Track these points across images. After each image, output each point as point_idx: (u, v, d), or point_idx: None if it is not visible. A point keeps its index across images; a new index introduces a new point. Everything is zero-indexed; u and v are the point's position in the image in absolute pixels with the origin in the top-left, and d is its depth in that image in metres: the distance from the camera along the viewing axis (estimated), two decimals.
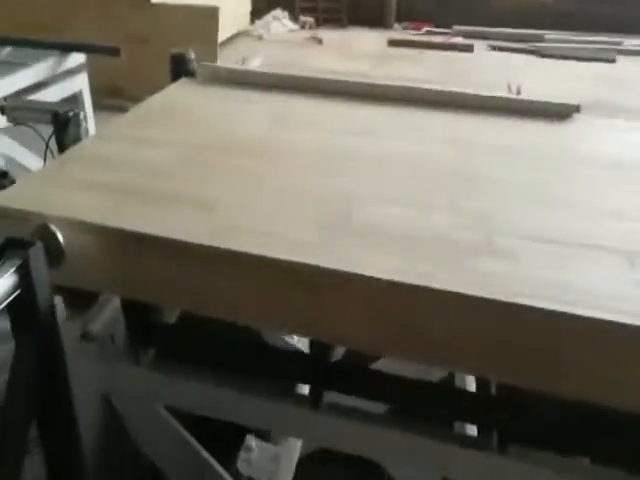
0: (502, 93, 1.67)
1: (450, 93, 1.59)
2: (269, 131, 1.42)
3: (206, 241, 0.97)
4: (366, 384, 1.11)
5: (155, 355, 1.24)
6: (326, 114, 1.52)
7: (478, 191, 1.17)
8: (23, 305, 1.02)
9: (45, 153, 1.61)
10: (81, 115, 1.50)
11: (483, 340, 0.88)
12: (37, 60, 2.01)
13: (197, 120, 1.46)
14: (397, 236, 1.00)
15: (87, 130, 1.52)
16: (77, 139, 1.53)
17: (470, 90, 1.59)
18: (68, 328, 1.19)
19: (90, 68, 3.56)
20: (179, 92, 1.63)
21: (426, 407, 1.12)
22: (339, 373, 1.16)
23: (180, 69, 1.69)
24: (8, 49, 2.11)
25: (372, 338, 0.95)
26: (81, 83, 2.02)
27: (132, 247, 1.03)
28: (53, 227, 1.04)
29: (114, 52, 2.00)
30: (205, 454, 1.27)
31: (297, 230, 1.01)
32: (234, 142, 1.35)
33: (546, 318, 0.84)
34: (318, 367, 1.16)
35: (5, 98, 1.70)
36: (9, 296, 0.97)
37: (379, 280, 0.88)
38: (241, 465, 1.36)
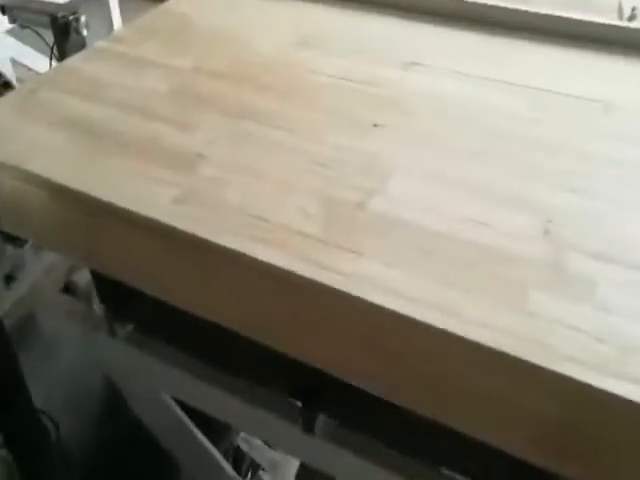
0: (610, 19, 1.28)
1: (532, 15, 1.23)
2: (292, 54, 1.14)
3: (166, 217, 0.75)
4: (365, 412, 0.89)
5: (133, 329, 1.08)
6: (372, 35, 1.21)
7: (565, 173, 0.85)
8: None
9: (50, 59, 1.40)
10: (82, 20, 1.27)
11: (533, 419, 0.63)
12: None
13: (207, 36, 1.19)
14: (428, 239, 0.73)
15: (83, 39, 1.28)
16: (79, 47, 1.30)
17: (561, 12, 1.23)
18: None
19: None
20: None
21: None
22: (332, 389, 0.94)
23: None
24: None
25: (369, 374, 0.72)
26: None
27: (87, 212, 0.83)
28: None
29: None
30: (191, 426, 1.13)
31: (292, 218, 0.76)
32: (244, 67, 1.08)
33: None
34: (307, 378, 0.94)
35: None
36: None
37: (377, 308, 0.64)
38: (242, 443, 1.22)
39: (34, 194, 0.89)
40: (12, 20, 1.42)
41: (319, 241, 0.72)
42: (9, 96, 1.08)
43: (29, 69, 1.65)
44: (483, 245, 0.72)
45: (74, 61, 1.11)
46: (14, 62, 1.58)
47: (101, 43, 1.15)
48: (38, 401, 1.59)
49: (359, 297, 0.64)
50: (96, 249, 0.94)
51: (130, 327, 1.12)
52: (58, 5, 1.29)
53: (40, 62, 1.59)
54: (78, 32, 1.26)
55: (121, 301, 1.06)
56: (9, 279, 1.65)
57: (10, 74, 1.59)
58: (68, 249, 0.99)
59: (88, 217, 0.84)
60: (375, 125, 0.93)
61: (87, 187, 0.81)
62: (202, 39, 1.17)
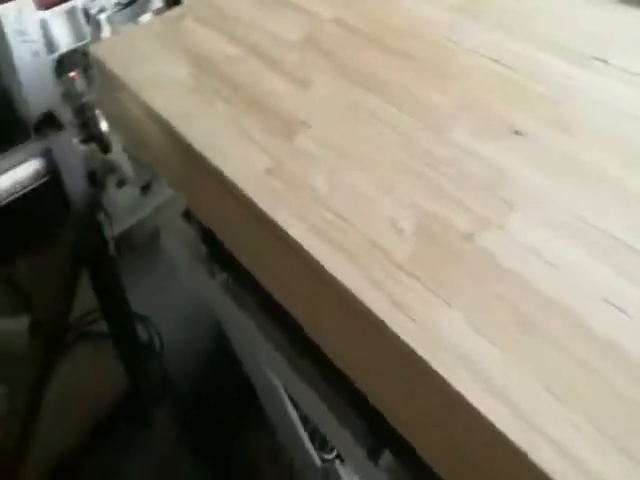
0: None
1: None
2: (444, 21, 0.96)
3: (252, 193, 0.68)
4: None
5: (228, 278, 1.05)
6: (548, 11, 1.00)
7: None
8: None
9: None
10: None
11: None
12: None
13: None
14: (538, 308, 0.55)
15: None
16: None
17: None
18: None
19: None
20: None
21: None
22: None
23: None
24: None
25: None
26: None
27: (187, 156, 0.79)
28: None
29: None
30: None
31: (378, 228, 0.63)
32: (385, 26, 0.95)
33: None
34: None
35: None
36: (32, 182, 0.82)
37: (456, 396, 0.49)
38: None
39: (148, 123, 0.88)
40: None
41: (401, 268, 0.58)
42: (157, 20, 1.07)
43: None
44: (612, 340, 0.52)
45: None
46: None
47: None
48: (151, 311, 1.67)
49: (429, 365, 0.50)
50: (193, 195, 0.92)
51: (225, 275, 1.10)
52: None
53: None
54: None
55: (219, 248, 1.05)
56: (145, 189, 1.73)
57: None
58: (174, 184, 0.99)
59: (188, 161, 0.81)
60: (516, 132, 0.74)
61: (189, 132, 0.78)
62: None
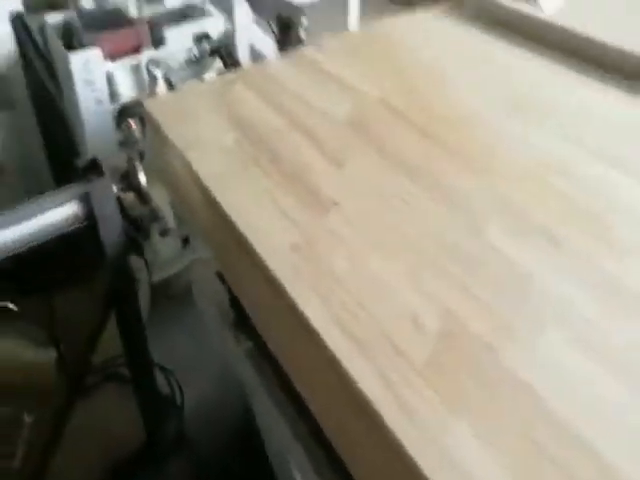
0: None
1: None
2: (496, 121, 0.92)
3: (275, 265, 0.66)
4: None
5: (253, 347, 1.03)
6: (620, 113, 0.94)
7: None
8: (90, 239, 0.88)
9: (276, 51, 1.42)
10: (303, 22, 1.25)
11: None
12: None
13: (408, 66, 1.06)
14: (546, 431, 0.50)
15: (301, 39, 1.26)
16: (296, 44, 1.29)
17: None
18: None
19: None
20: (427, 20, 1.22)
21: None
22: None
23: None
24: None
25: None
26: None
27: (223, 225, 0.79)
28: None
29: None
30: None
31: (397, 322, 0.59)
32: (432, 113, 0.93)
33: None
34: None
35: None
36: (69, 225, 0.83)
37: None
38: None
39: (188, 181, 0.89)
40: (253, 12, 1.48)
41: (415, 369, 0.54)
42: (210, 82, 1.10)
43: (261, 55, 1.71)
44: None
45: (276, 61, 1.09)
46: (252, 47, 1.66)
47: (305, 50, 1.11)
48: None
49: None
50: (223, 258, 0.91)
51: (250, 344, 1.08)
52: (289, 5, 1.30)
53: (271, 50, 1.64)
54: (297, 32, 1.25)
55: (246, 315, 1.03)
56: (186, 242, 1.75)
57: (246, 57, 1.65)
58: (207, 244, 0.98)
59: (220, 223, 0.80)
60: (553, 240, 0.68)
61: (224, 196, 0.78)
62: (402, 68, 1.05)
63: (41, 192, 1.49)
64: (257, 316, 0.81)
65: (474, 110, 0.94)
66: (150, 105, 1.01)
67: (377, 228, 0.72)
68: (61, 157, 1.47)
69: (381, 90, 0.98)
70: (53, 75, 1.39)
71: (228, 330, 1.09)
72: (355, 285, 0.64)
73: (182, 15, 1.64)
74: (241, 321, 1.04)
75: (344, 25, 1.79)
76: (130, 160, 0.96)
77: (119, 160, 1.20)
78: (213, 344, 1.65)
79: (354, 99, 0.96)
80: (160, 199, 1.16)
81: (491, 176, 0.80)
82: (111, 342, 1.30)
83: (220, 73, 1.42)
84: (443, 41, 1.15)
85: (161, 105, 1.02)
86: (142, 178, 0.97)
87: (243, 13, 1.55)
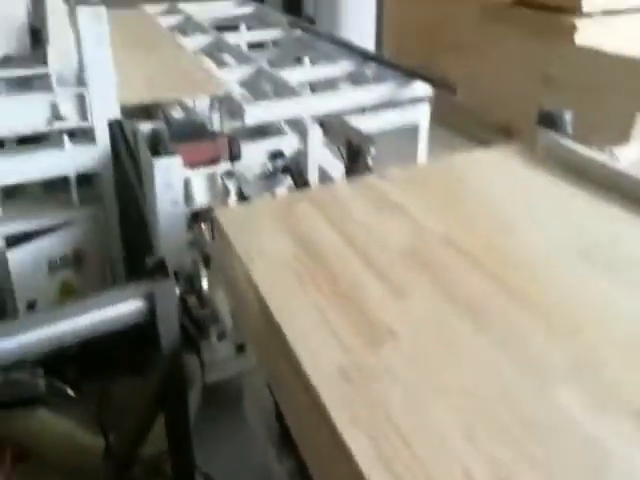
0: None
1: None
2: (569, 268, 0.89)
3: (321, 388, 0.67)
4: None
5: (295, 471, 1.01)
6: None
7: None
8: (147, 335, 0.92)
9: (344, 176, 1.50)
10: (371, 151, 1.33)
11: None
12: (380, 79, 1.93)
13: (477, 205, 1.09)
14: None
15: (368, 166, 1.33)
16: (364, 172, 1.36)
17: None
18: None
19: (480, 101, 3.38)
20: (497, 159, 1.28)
21: None
22: None
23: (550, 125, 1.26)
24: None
25: None
26: (421, 113, 1.84)
27: (275, 338, 0.81)
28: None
29: (451, 90, 1.76)
30: None
31: (444, 470, 0.57)
32: (502, 256, 0.92)
33: None
34: None
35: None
36: (130, 321, 0.88)
37: None
38: None
39: (248, 290, 0.93)
40: (325, 135, 1.59)
41: None
42: (278, 198, 1.17)
43: (329, 177, 1.81)
44: None
45: (343, 185, 1.15)
46: (321, 169, 1.76)
47: (371, 178, 1.17)
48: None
49: None
50: (272, 371, 0.92)
51: (292, 463, 1.07)
52: (359, 133, 1.39)
53: (339, 174, 1.73)
54: (366, 160, 1.33)
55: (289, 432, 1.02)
56: (241, 348, 1.77)
57: (315, 177, 1.75)
58: (259, 354, 1.00)
59: (273, 336, 0.82)
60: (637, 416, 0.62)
61: (279, 311, 0.81)
62: (468, 205, 1.08)
63: (115, 281, 1.58)
64: (299, 435, 0.80)
65: (544, 256, 0.92)
66: (220, 214, 1.08)
67: (435, 368, 0.70)
68: (136, 251, 1.57)
69: (445, 225, 1.00)
70: (139, 175, 1.52)
71: (272, 445, 1.08)
72: (405, 425, 0.62)
73: (259, 131, 1.78)
74: (286, 437, 1.03)
75: (412, 157, 1.87)
76: (195, 264, 1.02)
77: (187, 259, 1.27)
78: (256, 456, 1.62)
79: (416, 231, 0.99)
80: (221, 302, 1.21)
81: (569, 334, 0.76)
82: (164, 436, 1.31)
83: (290, 190, 1.51)
84: (513, 182, 1.17)
85: (230, 215, 1.09)
86: (204, 283, 1.02)
87: (316, 136, 1.66)
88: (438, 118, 1.98)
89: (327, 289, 0.85)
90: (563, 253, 0.93)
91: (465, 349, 0.73)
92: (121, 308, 0.99)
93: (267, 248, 0.96)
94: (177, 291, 1.01)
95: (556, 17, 3.26)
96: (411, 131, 1.86)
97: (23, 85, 1.44)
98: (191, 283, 1.03)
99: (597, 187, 1.10)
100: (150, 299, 0.98)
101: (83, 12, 1.38)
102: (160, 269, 0.99)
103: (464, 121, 3.54)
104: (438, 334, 0.76)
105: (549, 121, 1.25)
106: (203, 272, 1.03)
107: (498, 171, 1.22)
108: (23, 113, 1.40)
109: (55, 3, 1.84)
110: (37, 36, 1.55)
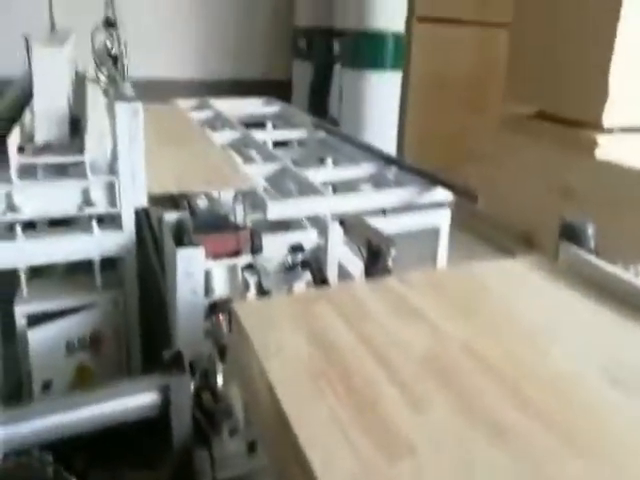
0: None
1: None
2: (598, 389, 0.87)
3: None
4: None
5: None
6: None
7: None
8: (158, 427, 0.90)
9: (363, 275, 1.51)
10: (392, 253, 1.35)
11: None
12: (401, 183, 2.00)
13: (503, 313, 1.09)
14: None
15: (388, 268, 1.34)
16: (383, 273, 1.37)
17: None
18: None
19: (500, 209, 3.44)
20: (518, 269, 1.28)
21: None
22: None
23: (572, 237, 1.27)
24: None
25: None
26: (441, 218, 1.87)
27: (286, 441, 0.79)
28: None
29: (471, 198, 1.80)
30: None
31: None
32: (525, 370, 0.91)
33: None
34: None
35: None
36: (143, 413, 0.87)
37: None
38: None
39: (262, 388, 0.91)
40: (345, 234, 1.62)
41: None
42: (297, 295, 1.18)
43: (349, 275, 1.82)
44: None
45: (361, 285, 1.16)
46: (340, 266, 1.78)
47: (391, 280, 1.18)
48: None
49: None
50: (283, 474, 0.89)
51: None
52: (379, 233, 1.42)
53: (358, 272, 1.75)
54: (385, 261, 1.35)
55: None
56: (252, 447, 1.72)
57: (334, 274, 1.76)
58: (269, 456, 0.97)
59: (284, 438, 0.80)
60: None
61: (292, 413, 0.79)
62: (488, 314, 1.08)
63: (130, 367, 1.57)
64: None
65: (566, 372, 0.91)
66: (238, 307, 1.09)
67: None
68: (154, 336, 1.57)
69: (465, 333, 1.00)
70: (162, 262, 1.54)
71: None
72: None
73: (281, 223, 1.82)
74: None
75: (432, 260, 1.89)
76: (211, 359, 1.01)
77: (204, 349, 1.26)
78: None
79: (436, 337, 0.99)
80: (235, 397, 1.19)
81: (593, 457, 0.73)
82: None
83: (309, 285, 1.52)
84: (534, 293, 1.17)
85: (248, 310, 1.09)
86: (219, 379, 1.01)
87: (336, 234, 1.70)
88: (459, 223, 2.02)
89: (343, 393, 0.84)
90: (586, 370, 0.92)
91: (485, 469, 0.71)
92: (135, 400, 0.98)
93: (284, 346, 0.96)
94: (192, 386, 1.00)
95: (576, 131, 3.35)
96: (431, 234, 1.89)
97: (59, 171, 1.50)
98: (206, 377, 1.02)
99: (620, 304, 1.10)
100: (165, 392, 0.97)
101: (120, 107, 1.46)
102: (176, 362, 0.99)
103: (485, 227, 3.59)
104: (457, 451, 0.74)
105: (571, 233, 1.27)
106: (219, 367, 1.02)
107: (519, 282, 1.22)
108: (57, 197, 1.45)
109: (96, 96, 1.96)
110: (76, 125, 1.63)
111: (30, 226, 1.54)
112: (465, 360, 0.92)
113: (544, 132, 3.56)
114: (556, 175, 3.36)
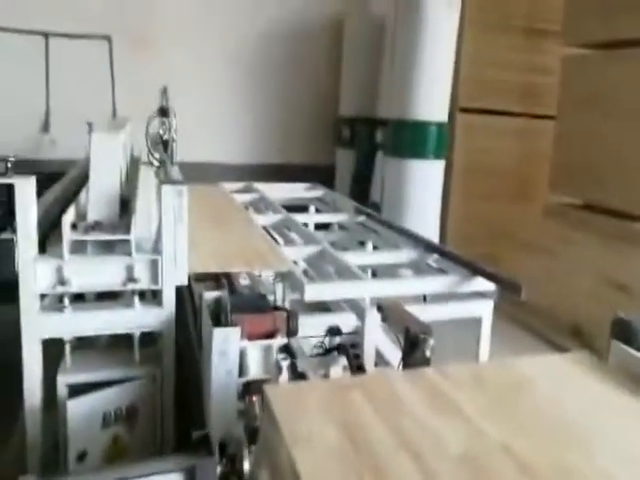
0: None
1: None
2: None
3: None
4: None
5: None
6: None
7: None
8: None
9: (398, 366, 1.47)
10: (430, 343, 1.31)
11: None
12: (443, 271, 1.97)
13: (547, 413, 1.03)
14: None
15: (426, 358, 1.30)
16: (421, 363, 1.34)
17: None
18: None
19: (547, 300, 3.33)
20: (566, 365, 1.22)
21: None
22: None
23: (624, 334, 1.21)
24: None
25: None
26: (484, 309, 1.83)
27: None
28: None
29: (515, 289, 1.76)
30: None
31: None
32: (574, 473, 0.86)
33: None
34: None
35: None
36: None
37: None
38: None
39: (289, 476, 0.88)
40: (383, 320, 1.60)
41: None
42: (331, 382, 1.15)
43: (386, 362, 1.78)
44: None
45: (398, 375, 1.13)
46: (378, 352, 1.75)
47: (428, 371, 1.15)
48: None
49: None
50: None
51: None
52: (418, 322, 1.39)
53: (396, 360, 1.70)
54: (424, 351, 1.31)
55: None
56: None
57: (371, 360, 1.73)
58: None
59: None
60: None
61: None
62: (531, 412, 1.03)
63: (163, 441, 1.55)
64: None
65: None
66: (269, 391, 1.07)
67: None
68: (187, 411, 1.55)
69: (503, 432, 0.95)
70: (199, 338, 1.55)
71: None
72: None
73: (320, 304, 1.81)
74: None
75: (475, 351, 1.83)
76: (239, 444, 0.99)
77: (235, 430, 1.24)
78: None
79: (472, 435, 0.94)
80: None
81: None
82: None
83: (345, 370, 1.49)
84: (581, 393, 1.11)
85: (280, 394, 1.07)
86: (246, 465, 0.98)
87: (373, 319, 1.68)
88: (504, 313, 1.97)
89: None
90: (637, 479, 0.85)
91: None
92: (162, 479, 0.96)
93: (313, 435, 0.93)
94: (218, 469, 0.97)
95: (624, 224, 3.29)
96: (473, 322, 1.84)
97: (107, 247, 1.56)
98: (233, 462, 0.99)
99: None
100: (191, 474, 0.95)
101: (166, 189, 1.53)
102: (204, 444, 0.97)
103: (532, 319, 3.49)
104: None
105: (623, 330, 1.22)
106: (246, 452, 0.99)
107: (565, 379, 1.17)
108: (103, 272, 1.51)
109: (147, 179, 2.06)
110: (126, 205, 1.71)
111: (79, 298, 1.60)
112: (503, 462, 0.87)
113: (591, 223, 3.50)
114: (607, 267, 3.27)
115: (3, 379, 1.50)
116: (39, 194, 1.47)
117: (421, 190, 3.69)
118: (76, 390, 1.49)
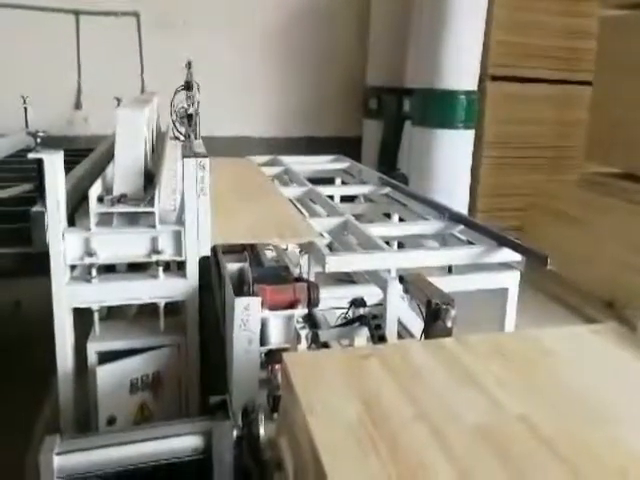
0: None
1: None
2: None
3: None
4: None
5: None
6: None
7: None
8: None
9: (420, 336, 1.46)
10: (451, 313, 1.30)
11: None
12: (469, 242, 1.94)
13: (570, 386, 1.01)
14: None
15: (448, 329, 1.29)
16: (443, 333, 1.33)
17: None
18: None
19: (578, 271, 3.26)
20: (591, 339, 1.20)
21: None
22: None
23: None
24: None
25: None
26: (510, 279, 1.80)
27: None
28: None
29: (541, 260, 1.72)
30: None
31: None
32: (588, 450, 0.84)
33: None
34: None
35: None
36: (185, 455, 0.87)
37: None
38: None
39: (304, 441, 0.89)
40: (405, 291, 1.59)
41: None
42: (346, 351, 1.15)
43: (408, 331, 1.78)
44: None
45: (417, 346, 1.12)
46: (400, 322, 1.74)
47: (449, 342, 1.14)
48: None
49: None
50: None
51: None
52: (440, 294, 1.38)
53: (417, 331, 1.70)
54: (445, 322, 1.30)
55: None
56: None
57: (393, 331, 1.73)
58: None
59: None
60: None
61: (334, 473, 0.77)
62: (552, 385, 1.01)
63: (188, 408, 1.60)
64: None
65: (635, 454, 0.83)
66: (288, 359, 1.08)
67: None
68: (212, 378, 1.59)
69: (523, 405, 0.94)
70: (223, 308, 1.58)
71: None
72: None
73: (346, 276, 1.80)
74: None
75: (499, 323, 1.80)
76: (256, 409, 1.01)
77: (258, 397, 1.25)
78: None
79: (491, 407, 0.93)
80: (286, 449, 1.17)
81: None
82: None
83: (367, 341, 1.49)
84: (606, 366, 1.09)
85: (298, 362, 1.08)
86: (261, 430, 1.00)
87: (395, 290, 1.67)
88: (532, 283, 1.93)
89: (387, 458, 0.81)
90: None
91: None
92: (180, 441, 0.99)
93: (330, 403, 0.94)
94: (235, 433, 0.99)
95: None
96: (500, 291, 1.81)
97: (132, 220, 1.59)
98: (250, 427, 1.01)
99: None
100: (207, 437, 0.97)
101: (188, 163, 1.54)
102: (221, 408, 0.99)
103: (560, 289, 3.43)
104: None
105: None
106: (262, 418, 1.01)
107: (590, 352, 1.14)
108: (128, 244, 1.54)
109: (173, 153, 2.07)
110: (151, 179, 1.72)
111: (111, 269, 1.64)
112: (522, 434, 0.86)
113: (629, 192, 3.40)
114: None
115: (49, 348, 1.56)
116: (72, 169, 1.49)
117: (449, 161, 3.63)
118: (105, 359, 1.54)
